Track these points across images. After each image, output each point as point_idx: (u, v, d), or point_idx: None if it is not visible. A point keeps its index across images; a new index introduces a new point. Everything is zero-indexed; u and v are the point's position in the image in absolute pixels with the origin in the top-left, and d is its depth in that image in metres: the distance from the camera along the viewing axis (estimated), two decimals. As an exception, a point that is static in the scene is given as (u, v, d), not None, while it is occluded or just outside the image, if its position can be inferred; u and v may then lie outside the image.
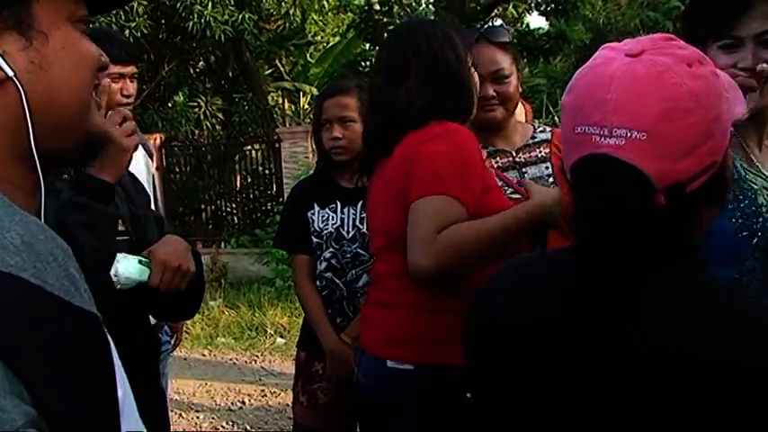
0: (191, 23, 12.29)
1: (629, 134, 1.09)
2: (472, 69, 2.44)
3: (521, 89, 2.83)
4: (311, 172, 3.57)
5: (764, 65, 1.95)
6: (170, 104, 14.78)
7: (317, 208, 3.23)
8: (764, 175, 2.09)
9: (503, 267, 1.40)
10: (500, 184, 2.61)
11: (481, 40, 2.73)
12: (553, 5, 14.60)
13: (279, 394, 6.37)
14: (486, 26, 2.84)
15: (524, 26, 16.88)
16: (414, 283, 2.25)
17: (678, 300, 1.11)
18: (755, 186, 2.03)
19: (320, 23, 18.19)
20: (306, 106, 16.33)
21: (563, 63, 16.75)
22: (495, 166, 2.73)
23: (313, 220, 3.22)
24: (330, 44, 17.99)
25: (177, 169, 13.08)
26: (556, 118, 15.34)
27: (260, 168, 12.74)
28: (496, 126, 2.78)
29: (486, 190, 2.30)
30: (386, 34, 14.67)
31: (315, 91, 16.03)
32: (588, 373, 1.12)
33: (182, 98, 15.22)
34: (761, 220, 2.01)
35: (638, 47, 1.14)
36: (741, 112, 1.20)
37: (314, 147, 3.37)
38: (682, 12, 2.51)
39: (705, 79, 1.12)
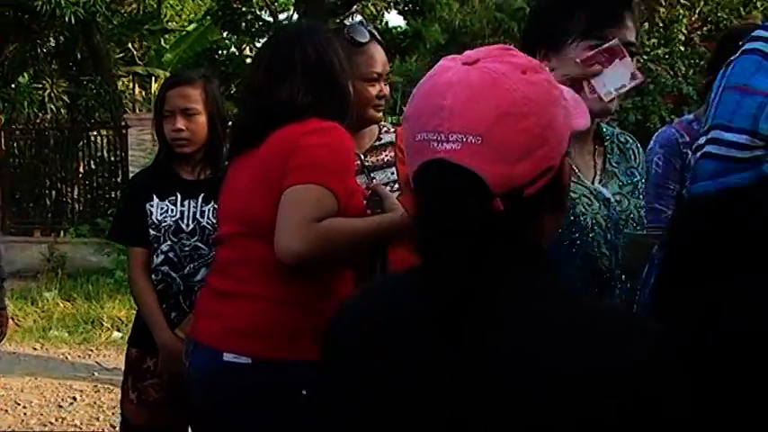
0: (39, 3, 11.79)
1: (464, 139, 1.10)
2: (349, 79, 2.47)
3: None
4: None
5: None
6: (12, 86, 14.18)
7: (156, 200, 3.11)
8: (585, 183, 2.12)
9: (361, 288, 1.42)
10: None
11: (372, 40, 2.72)
12: (411, 5, 14.80)
13: (112, 390, 6.17)
14: (371, 25, 2.82)
15: (383, 24, 17.03)
16: (267, 272, 2.24)
17: (527, 305, 1.12)
18: (575, 195, 2.06)
19: (176, 8, 17.83)
20: (157, 92, 15.94)
21: (419, 62, 17.03)
22: None
23: (151, 212, 3.10)
24: (186, 30, 17.64)
25: (17, 153, 12.66)
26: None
27: (105, 155, 12.40)
28: (355, 125, 2.71)
29: (352, 192, 2.32)
30: (243, 24, 14.56)
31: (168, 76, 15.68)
32: (442, 385, 1.12)
33: (26, 79, 14.64)
34: (579, 228, 2.04)
35: (474, 56, 1.17)
36: (584, 125, 1.23)
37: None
38: (536, 3, 2.54)
39: (539, 86, 1.14)
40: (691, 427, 1.06)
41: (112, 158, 12.34)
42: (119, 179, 12.29)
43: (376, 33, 2.75)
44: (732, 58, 1.32)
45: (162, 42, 17.00)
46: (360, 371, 1.23)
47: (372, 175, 2.72)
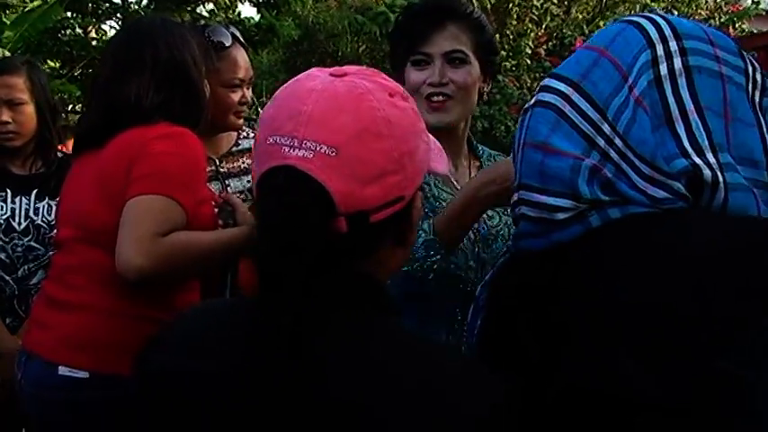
0: None
1: (318, 148, 1.05)
2: (205, 80, 2.35)
3: None
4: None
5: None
6: None
7: None
8: (459, 191, 2.12)
9: (182, 314, 1.29)
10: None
11: (235, 43, 2.64)
12: (265, -1, 14.62)
13: None
14: (233, 28, 2.72)
15: (236, 15, 16.78)
16: (103, 281, 2.12)
17: (362, 351, 1.06)
18: (446, 206, 2.06)
19: (18, -16, 17.01)
20: (-6, 71, 15.19)
21: (270, 56, 16.90)
22: None
23: None
24: (28, 8, 16.85)
25: None
26: (260, 109, 15.57)
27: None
28: (213, 130, 2.67)
29: (201, 201, 2.23)
30: (90, 4, 14.02)
31: (7, 54, 14.97)
32: (261, 427, 1.04)
33: None
34: None
35: (343, 70, 1.14)
36: (442, 170, 1.21)
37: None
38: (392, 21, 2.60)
39: (404, 112, 1.12)
40: None
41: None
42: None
43: (239, 35, 2.65)
44: (528, 106, 1.30)
45: (2, 18, 16.18)
46: (171, 401, 1.14)
47: (227, 182, 2.65)
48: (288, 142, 1.06)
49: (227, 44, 2.60)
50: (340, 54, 15.09)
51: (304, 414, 1.02)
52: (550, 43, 9.68)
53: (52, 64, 16.97)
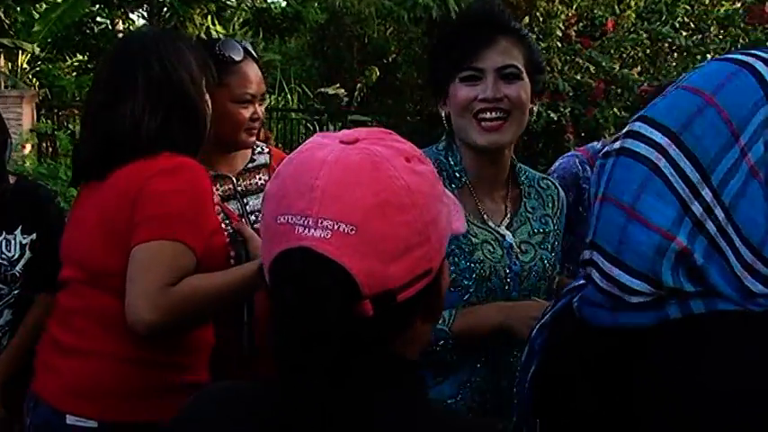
0: None
1: (335, 226, 0.96)
2: (206, 95, 2.23)
3: None
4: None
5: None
6: None
7: None
8: (491, 228, 2.04)
9: (203, 393, 1.20)
10: (220, 216, 2.43)
11: (247, 57, 2.53)
12: (293, -15, 14.60)
13: None
14: (246, 41, 2.62)
15: (262, 2, 16.74)
16: (108, 326, 2.04)
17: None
18: (476, 241, 1.98)
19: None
20: (25, 66, 15.25)
21: (297, 41, 16.87)
22: (217, 194, 2.52)
23: None
24: (56, 1, 16.89)
25: None
26: (288, 95, 15.56)
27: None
28: (226, 148, 2.58)
29: (214, 232, 2.14)
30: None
31: (36, 50, 15.05)
32: None
33: None
34: (474, 276, 1.96)
35: (354, 135, 1.03)
36: (462, 229, 1.11)
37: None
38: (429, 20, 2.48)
39: (424, 177, 1.02)
40: None
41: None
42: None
43: (251, 50, 2.56)
44: (611, 149, 1.16)
45: (33, 13, 16.23)
46: None
47: (246, 200, 2.57)
48: (301, 221, 0.97)
49: (237, 59, 2.51)
50: (367, 38, 15.00)
51: None
52: (581, 24, 9.48)
53: (80, 57, 17.07)
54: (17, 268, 2.72)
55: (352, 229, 0.96)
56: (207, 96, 2.25)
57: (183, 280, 1.98)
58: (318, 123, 12.58)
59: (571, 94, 8.53)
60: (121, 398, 2.07)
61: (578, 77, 8.72)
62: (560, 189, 2.22)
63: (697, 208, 1.05)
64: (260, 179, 2.64)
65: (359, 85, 14.33)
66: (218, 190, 2.53)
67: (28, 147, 10.97)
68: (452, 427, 1.05)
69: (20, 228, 2.73)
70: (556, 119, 8.24)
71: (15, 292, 2.70)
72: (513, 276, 2.01)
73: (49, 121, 12.51)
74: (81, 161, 2.27)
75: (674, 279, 1.06)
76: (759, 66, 1.08)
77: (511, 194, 2.12)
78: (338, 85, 14.79)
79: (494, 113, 1.96)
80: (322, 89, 14.77)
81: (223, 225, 2.43)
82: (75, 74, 16.28)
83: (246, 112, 2.52)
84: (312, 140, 1.06)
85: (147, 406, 2.06)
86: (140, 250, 1.98)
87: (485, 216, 2.04)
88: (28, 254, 2.73)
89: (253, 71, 2.55)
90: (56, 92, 15.07)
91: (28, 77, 15.11)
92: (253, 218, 2.55)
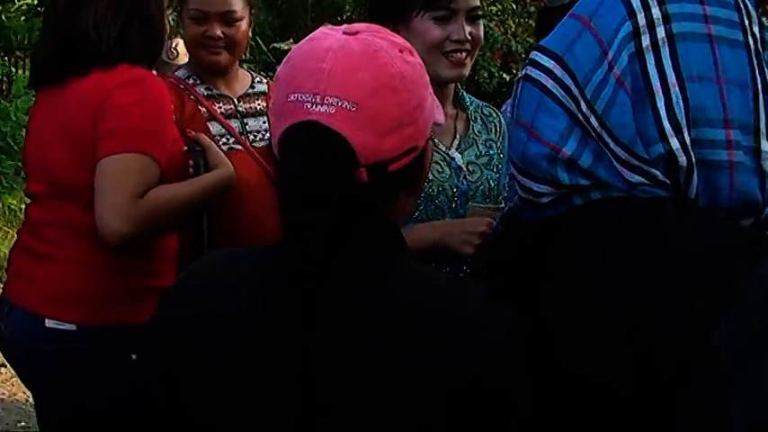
0: None
1: (339, 103, 1.10)
2: (167, 11, 2.32)
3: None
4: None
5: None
6: None
7: None
8: (440, 150, 2.16)
9: (206, 260, 1.35)
10: (221, 131, 2.57)
11: None
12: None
13: None
14: None
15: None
16: (79, 236, 2.14)
17: (388, 288, 1.13)
18: None
19: None
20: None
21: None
22: (219, 111, 2.63)
23: None
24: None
25: None
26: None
27: None
28: (221, 70, 2.67)
29: (173, 142, 2.23)
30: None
31: None
32: (297, 368, 1.11)
33: None
34: (425, 195, 2.07)
35: (355, 28, 1.18)
36: (441, 119, 1.25)
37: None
38: None
39: (414, 66, 1.17)
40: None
41: None
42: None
43: None
44: (519, 76, 1.34)
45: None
46: (201, 349, 1.18)
47: (245, 120, 2.68)
48: (310, 99, 1.11)
49: None
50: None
51: (341, 350, 1.10)
52: (537, -12, 9.62)
53: (29, 0, 16.75)
54: None
55: (353, 106, 1.10)
56: (166, 11, 2.32)
57: (150, 191, 2.08)
58: (271, 78, 12.54)
59: (524, 55, 8.69)
60: (96, 302, 2.17)
61: (531, 40, 8.88)
62: (501, 116, 2.36)
63: (581, 117, 1.23)
64: (259, 104, 2.74)
65: (311, 41, 14.28)
66: (220, 108, 2.64)
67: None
68: (433, 280, 1.21)
69: None
70: (508, 80, 8.40)
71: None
72: (461, 195, 2.14)
73: (4, 64, 12.31)
74: (40, 63, 2.33)
75: (570, 179, 1.24)
76: None
77: (459, 117, 2.25)
78: (291, 40, 14.73)
79: (461, 53, 2.09)
80: (275, 44, 14.73)
81: (224, 140, 2.58)
82: (24, 18, 15.95)
83: (198, 29, 2.57)
84: (318, 31, 1.20)
85: (121, 309, 2.17)
86: (107, 163, 2.06)
87: (435, 138, 2.14)
88: None
89: None
90: (4, 35, 14.78)
91: (-26, 20, 14.77)
92: (251, 137, 2.66)
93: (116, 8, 2.17)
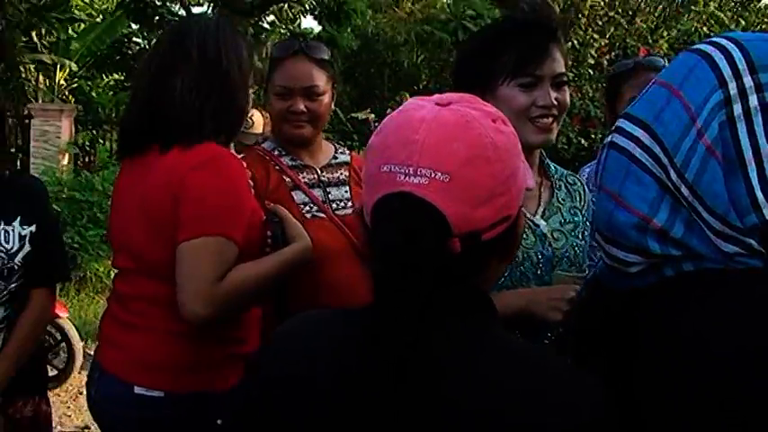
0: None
1: (432, 174, 1.10)
2: (249, 89, 2.35)
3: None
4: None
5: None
6: None
7: None
8: (526, 217, 2.14)
9: (292, 322, 1.35)
10: (305, 200, 2.61)
11: (299, 54, 2.66)
12: (327, 11, 14.84)
13: None
14: (304, 40, 2.76)
15: (297, 26, 17.02)
16: (165, 307, 2.16)
17: (477, 359, 1.11)
18: None
19: (87, -1, 17.43)
20: (62, 82, 15.55)
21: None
22: (303, 181, 2.68)
23: None
24: (96, 21, 17.24)
25: None
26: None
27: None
28: (304, 142, 2.73)
29: (252, 213, 2.26)
30: (156, 18, 14.33)
31: (74, 66, 15.34)
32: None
33: None
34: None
35: (447, 98, 1.19)
36: (532, 185, 1.25)
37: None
38: (463, 43, 2.55)
39: (507, 136, 1.17)
40: None
41: (12, 149, 11.95)
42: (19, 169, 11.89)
43: (307, 49, 2.67)
44: (605, 142, 1.33)
45: (70, 31, 16.56)
46: (283, 413, 1.19)
47: (328, 190, 2.71)
48: (403, 170, 1.12)
49: (280, 55, 2.66)
50: (399, 65, 15.19)
51: (423, 420, 1.08)
52: (613, 53, 9.62)
53: (118, 76, 17.38)
54: (16, 261, 2.54)
55: (446, 177, 1.10)
56: (250, 90, 2.35)
57: (230, 273, 2.11)
58: (349, 148, 12.73)
59: (602, 120, 8.66)
60: (184, 370, 2.20)
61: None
62: (585, 185, 2.35)
63: (672, 185, 1.20)
64: (341, 174, 2.78)
65: (389, 110, 14.51)
66: (303, 178, 2.68)
67: (66, 158, 11.21)
68: (519, 353, 1.17)
69: (18, 219, 2.57)
70: (587, 145, 8.36)
71: (12, 286, 2.56)
72: (546, 262, 2.12)
73: (87, 135, 12.77)
74: (126, 130, 2.38)
75: (661, 248, 1.21)
76: (715, 55, 1.22)
77: (544, 184, 2.25)
78: (369, 110, 14.98)
79: (548, 119, 2.09)
80: (353, 114, 14.98)
81: (307, 207, 2.61)
82: (111, 92, 16.56)
83: (283, 104, 2.63)
84: (410, 102, 1.21)
85: (207, 377, 2.21)
86: (186, 248, 2.10)
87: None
88: (27, 246, 2.56)
89: (296, 66, 2.65)
90: (91, 108, 15.35)
91: (65, 94, 15.37)
92: (334, 205, 2.68)
93: (201, 81, 2.22)
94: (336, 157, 2.83)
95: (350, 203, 2.71)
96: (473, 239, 1.12)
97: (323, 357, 1.19)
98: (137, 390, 2.20)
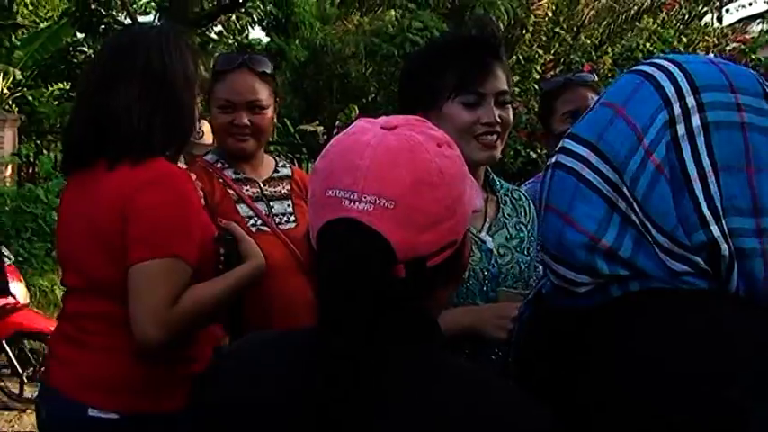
0: None
1: (377, 201, 1.11)
2: (197, 97, 2.32)
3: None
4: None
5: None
6: None
7: None
8: (471, 232, 2.13)
9: (238, 345, 1.35)
10: (249, 213, 2.62)
11: (242, 67, 2.66)
12: (275, 23, 14.82)
13: None
14: (251, 52, 2.77)
15: (244, 37, 16.95)
16: (116, 326, 2.12)
17: (423, 383, 1.12)
18: None
19: (31, 6, 17.16)
20: (5, 91, 15.28)
21: (279, 78, 17.00)
22: (246, 194, 2.68)
23: None
24: (40, 28, 16.98)
25: None
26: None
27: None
28: (247, 156, 2.73)
29: (203, 231, 2.24)
30: (102, 26, 14.17)
31: (18, 74, 15.09)
32: None
33: None
34: None
35: (393, 122, 1.19)
36: (479, 206, 1.26)
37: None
38: (406, 61, 2.57)
39: (452, 160, 1.18)
40: None
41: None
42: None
43: (250, 62, 2.68)
44: (549, 163, 1.33)
45: (13, 39, 16.29)
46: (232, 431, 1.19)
47: (271, 204, 2.73)
48: (348, 195, 1.12)
49: (224, 68, 2.67)
50: (347, 77, 15.20)
51: None
52: (558, 69, 9.75)
53: (62, 86, 17.13)
54: None
55: (391, 204, 1.11)
56: (197, 99, 2.32)
57: (184, 295, 2.09)
58: (298, 160, 12.73)
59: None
60: (138, 390, 2.15)
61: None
62: (530, 201, 2.37)
63: (622, 204, 1.22)
64: (284, 188, 2.80)
65: (338, 122, 14.51)
66: (247, 191, 2.69)
67: (8, 170, 11.03)
68: (473, 387, 1.16)
69: None
70: (534, 157, 8.45)
71: None
72: (492, 278, 2.14)
73: (31, 145, 12.57)
74: (70, 144, 2.32)
75: (609, 268, 1.22)
76: (658, 76, 1.25)
77: (489, 200, 2.26)
78: (317, 122, 14.97)
79: (492, 136, 2.11)
80: (301, 126, 14.96)
81: (252, 221, 2.62)
82: (56, 102, 16.32)
83: (227, 118, 2.64)
84: (356, 125, 1.22)
85: (161, 397, 2.15)
86: (138, 271, 2.06)
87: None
88: None
89: (240, 80, 2.66)
90: (36, 119, 15.11)
91: (8, 103, 15.11)
92: (277, 219, 2.70)
93: (146, 93, 2.18)
94: (278, 171, 2.84)
95: (293, 218, 2.73)
96: (418, 265, 1.12)
97: (268, 380, 1.19)
98: (90, 412, 2.14)
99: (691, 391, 1.10)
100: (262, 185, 2.74)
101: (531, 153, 8.47)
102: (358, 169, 1.12)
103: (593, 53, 9.95)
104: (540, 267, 2.26)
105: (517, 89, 9.36)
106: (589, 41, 10.92)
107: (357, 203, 1.11)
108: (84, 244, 2.20)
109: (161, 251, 2.07)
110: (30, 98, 15.52)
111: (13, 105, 15.33)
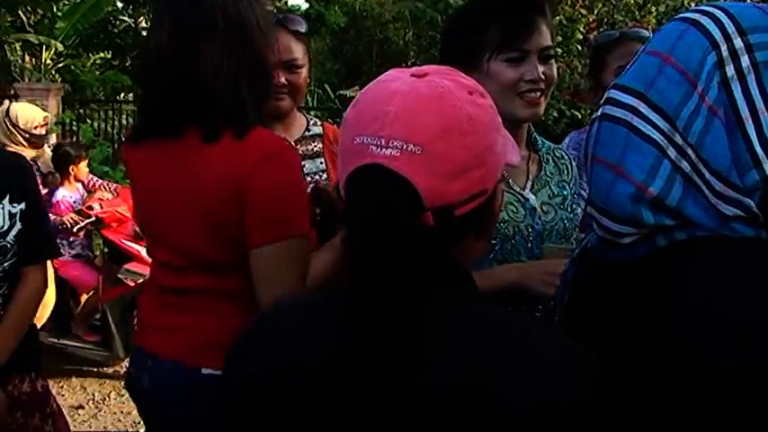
0: None
1: (404, 146, 1.08)
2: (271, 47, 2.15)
3: None
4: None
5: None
6: None
7: None
8: (514, 190, 2.16)
9: (267, 314, 1.33)
10: None
11: (278, 26, 2.57)
12: (314, -12, 14.80)
13: None
14: (282, 13, 2.74)
15: (284, 3, 16.93)
16: (219, 298, 2.07)
17: (456, 337, 1.09)
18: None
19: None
20: (48, 61, 15.42)
21: (318, 44, 17.04)
22: None
23: None
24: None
25: None
26: (308, 97, 15.70)
27: (-8, 124, 11.91)
28: (282, 115, 2.70)
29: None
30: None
31: (59, 46, 15.22)
32: (359, 419, 1.08)
33: None
34: (500, 236, 2.07)
35: (424, 70, 1.17)
36: (516, 161, 1.23)
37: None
38: (447, 20, 2.53)
39: (484, 109, 1.15)
40: None
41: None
42: (5, 149, 11.81)
43: (287, 22, 2.64)
44: (595, 116, 1.31)
45: (55, 10, 16.42)
46: (265, 402, 1.17)
47: (303, 163, 2.66)
48: (375, 141, 1.10)
49: None
50: (387, 42, 15.14)
51: (403, 402, 1.05)
52: (601, 29, 9.60)
53: (104, 55, 17.26)
54: (8, 239, 2.50)
55: (418, 150, 1.08)
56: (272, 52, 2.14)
57: (311, 271, 2.03)
58: (338, 125, 12.73)
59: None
60: None
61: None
62: (571, 159, 2.36)
63: (672, 152, 1.19)
64: (315, 146, 2.77)
65: (378, 87, 14.45)
66: None
67: (53, 137, 11.15)
68: (510, 335, 1.12)
69: (7, 197, 2.50)
70: (579, 118, 8.38)
71: (6, 265, 2.50)
72: (536, 235, 2.13)
73: (72, 113, 12.69)
74: (152, 115, 2.12)
75: (655, 218, 1.20)
76: (704, 20, 1.23)
77: (531, 158, 2.25)
78: (357, 87, 14.94)
79: (536, 93, 2.08)
80: (341, 91, 14.94)
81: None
82: (98, 71, 16.46)
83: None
84: (387, 74, 1.19)
85: None
86: (264, 255, 1.97)
87: (509, 180, 2.16)
88: (18, 224, 2.51)
89: (282, 40, 2.52)
90: (78, 87, 15.24)
91: (51, 73, 15.26)
92: (308, 179, 2.66)
93: (231, 48, 1.99)
94: (309, 130, 2.81)
95: (324, 175, 2.71)
96: (446, 214, 1.10)
97: (303, 342, 1.17)
98: (204, 371, 2.05)
99: (743, 337, 1.07)
100: (294, 145, 2.70)
101: (576, 113, 8.38)
102: (386, 115, 1.10)
103: (638, 13, 9.79)
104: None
105: (560, 50, 9.24)
106: (633, 1, 10.74)
107: (384, 149, 1.09)
108: (185, 225, 2.05)
109: (284, 233, 1.97)
110: (72, 67, 15.64)
111: (57, 75, 15.48)
